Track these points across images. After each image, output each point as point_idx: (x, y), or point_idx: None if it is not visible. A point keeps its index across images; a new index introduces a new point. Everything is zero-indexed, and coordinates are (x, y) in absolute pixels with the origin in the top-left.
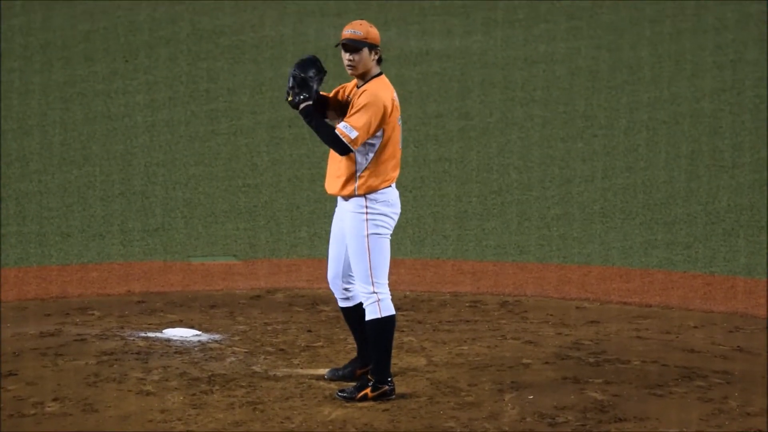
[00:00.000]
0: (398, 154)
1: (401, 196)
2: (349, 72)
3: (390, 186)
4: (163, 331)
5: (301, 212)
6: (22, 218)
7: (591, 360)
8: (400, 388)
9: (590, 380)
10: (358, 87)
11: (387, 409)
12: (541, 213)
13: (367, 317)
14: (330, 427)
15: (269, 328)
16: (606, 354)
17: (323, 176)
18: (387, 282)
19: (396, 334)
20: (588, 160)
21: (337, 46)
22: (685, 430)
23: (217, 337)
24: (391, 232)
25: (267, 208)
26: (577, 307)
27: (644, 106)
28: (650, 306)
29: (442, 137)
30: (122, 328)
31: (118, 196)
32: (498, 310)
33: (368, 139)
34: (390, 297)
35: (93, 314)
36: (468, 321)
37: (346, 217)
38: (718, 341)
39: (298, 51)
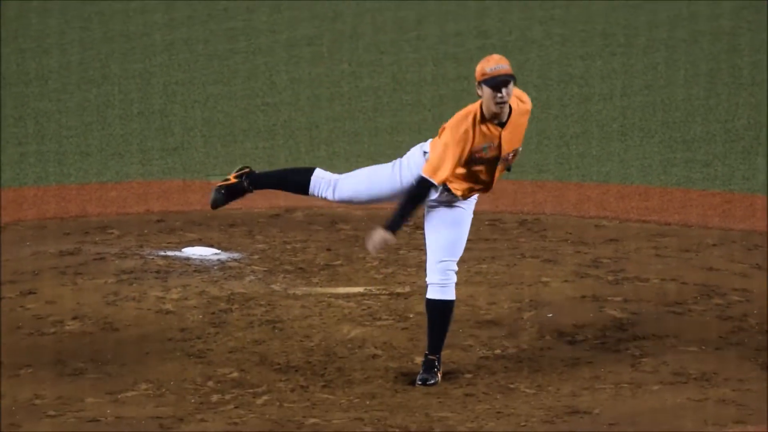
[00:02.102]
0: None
1: (421, 116)
2: (500, 109)
3: None
4: (183, 249)
5: (320, 131)
6: (41, 137)
7: (610, 278)
8: (419, 307)
9: (609, 298)
10: (501, 123)
11: (406, 328)
12: (560, 131)
13: (449, 297)
14: (349, 345)
15: (288, 246)
16: (625, 272)
17: (342, 95)
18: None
19: (415, 253)
20: (606, 78)
21: (494, 81)
22: (703, 347)
23: (236, 255)
24: None
25: (286, 127)
26: (595, 226)
27: (663, 24)
28: (669, 224)
29: (462, 55)
30: (141, 246)
31: (137, 116)
32: (517, 229)
33: None
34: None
35: (112, 233)
36: (487, 239)
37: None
38: (737, 259)
39: None
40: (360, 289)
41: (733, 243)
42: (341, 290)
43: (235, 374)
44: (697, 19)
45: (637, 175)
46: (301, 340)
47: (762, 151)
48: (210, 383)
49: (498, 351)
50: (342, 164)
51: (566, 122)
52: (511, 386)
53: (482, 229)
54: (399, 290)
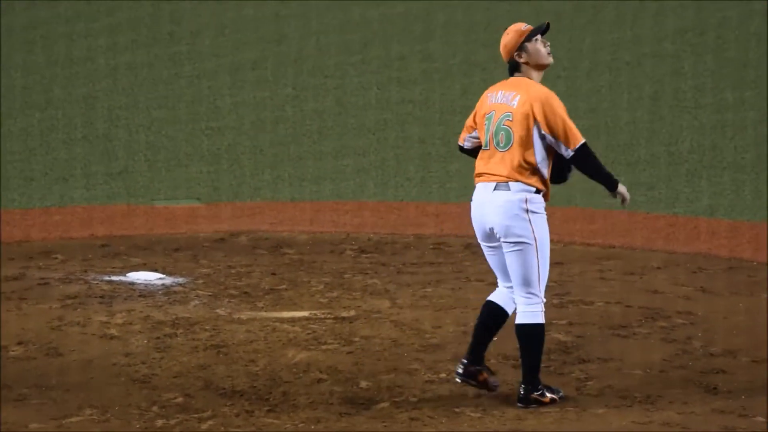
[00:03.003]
0: (484, 153)
1: (365, 140)
2: (551, 59)
3: (475, 185)
4: (127, 274)
5: (264, 155)
6: None
7: (555, 301)
8: (364, 331)
9: (554, 321)
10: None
11: (351, 352)
12: None
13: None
14: (294, 369)
15: (233, 271)
16: (570, 295)
17: (287, 119)
18: (498, 280)
19: (360, 277)
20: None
21: (542, 32)
22: (648, 370)
23: (180, 280)
24: (480, 240)
25: (230, 151)
26: None
27: (607, 47)
28: (613, 247)
29: (405, 79)
30: (86, 271)
31: (81, 140)
32: (462, 252)
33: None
34: (497, 291)
35: (56, 258)
36: (432, 263)
37: None
38: (681, 282)
39: None
40: (305, 314)
41: (677, 266)
42: (286, 314)
43: (180, 399)
44: (640, 42)
45: (581, 198)
46: (246, 365)
47: (706, 174)
48: (155, 408)
49: (443, 375)
50: (286, 188)
51: None
52: (456, 410)
53: (427, 253)
54: (344, 314)
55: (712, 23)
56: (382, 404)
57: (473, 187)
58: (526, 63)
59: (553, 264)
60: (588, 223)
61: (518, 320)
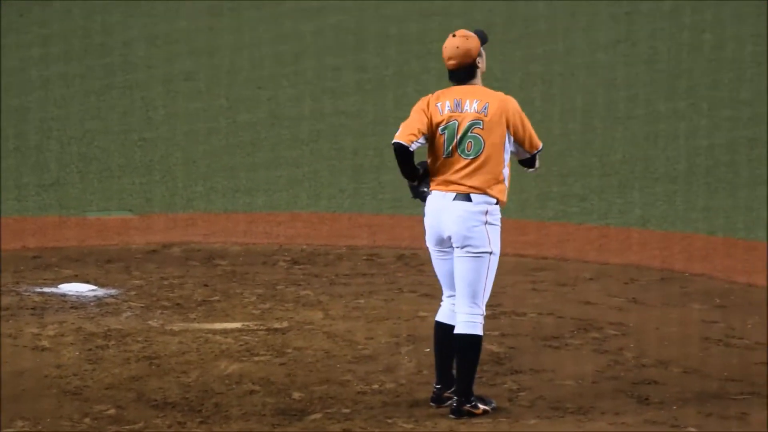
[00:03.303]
0: (445, 161)
1: (298, 151)
2: None
3: (430, 192)
4: (59, 286)
5: (197, 166)
6: None
7: (487, 312)
8: (296, 342)
9: (487, 333)
10: None
11: (283, 363)
12: None
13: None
14: (227, 381)
15: (165, 282)
16: (502, 306)
17: (220, 130)
18: (444, 291)
19: (292, 288)
20: None
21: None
22: (580, 381)
23: (113, 291)
24: (431, 245)
25: (163, 162)
26: None
27: (539, 59)
28: (546, 258)
29: (339, 90)
30: (17, 283)
31: (13, 151)
32: (394, 263)
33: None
34: (441, 308)
35: None
36: (365, 274)
37: None
38: (613, 293)
39: (192, 4)
40: (237, 325)
41: (609, 277)
42: (218, 326)
43: (112, 411)
44: (573, 54)
45: (514, 209)
46: (179, 376)
47: (638, 185)
48: (87, 420)
49: (376, 386)
50: (219, 199)
51: None
52: (389, 421)
53: (360, 264)
54: (276, 326)
55: (644, 35)
56: (315, 415)
57: (406, 199)
58: (481, 70)
59: None
60: (520, 234)
61: (458, 330)
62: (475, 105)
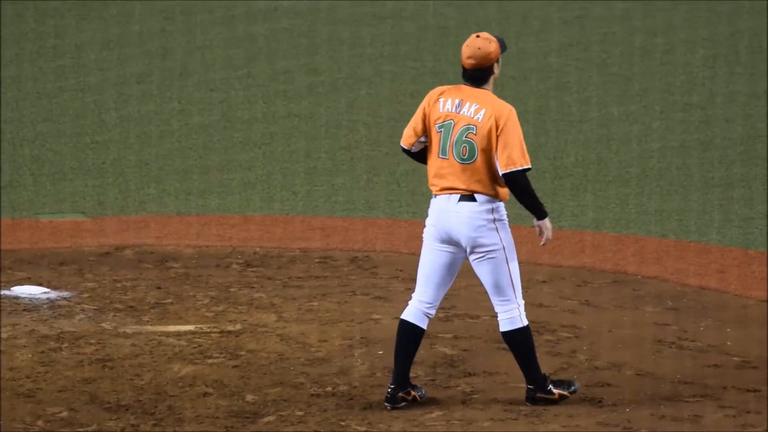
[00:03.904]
0: (442, 163)
1: (251, 154)
2: None
3: (434, 196)
4: (11, 288)
5: (149, 168)
6: None
7: (440, 315)
8: (250, 344)
9: (440, 335)
10: None
11: (237, 366)
12: (390, 169)
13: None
14: (180, 383)
15: (118, 285)
16: (455, 309)
17: (172, 133)
18: (419, 290)
19: (246, 291)
20: None
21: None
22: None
23: (65, 294)
24: (433, 241)
25: (115, 165)
26: None
27: None
28: None
29: (291, 93)
30: None
31: None
32: (348, 266)
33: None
34: (410, 306)
35: None
36: (318, 277)
37: None
38: (566, 296)
39: (145, 7)
40: (191, 327)
41: (562, 279)
42: (172, 328)
43: (65, 413)
44: (526, 57)
45: None
46: (132, 379)
47: (591, 188)
48: (40, 422)
49: (329, 388)
50: (172, 202)
51: (396, 160)
52: (342, 423)
53: (313, 267)
54: (230, 328)
55: (596, 38)
56: (268, 418)
57: (359, 202)
58: (495, 76)
59: None
60: None
61: (501, 328)
62: (473, 109)
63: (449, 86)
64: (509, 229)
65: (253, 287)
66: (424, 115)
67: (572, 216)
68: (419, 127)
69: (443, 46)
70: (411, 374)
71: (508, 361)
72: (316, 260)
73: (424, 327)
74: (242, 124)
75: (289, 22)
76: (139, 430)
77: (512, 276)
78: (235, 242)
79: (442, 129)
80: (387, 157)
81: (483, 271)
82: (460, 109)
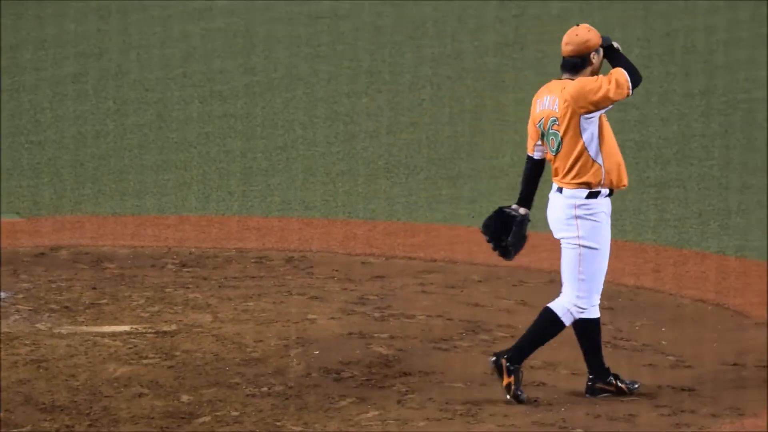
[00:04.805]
0: (549, 156)
1: (187, 154)
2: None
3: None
4: None
5: (85, 169)
6: None
7: (376, 315)
8: (185, 345)
9: (375, 335)
10: None
11: (172, 366)
12: (326, 169)
13: None
14: (115, 384)
15: (53, 285)
16: (391, 309)
17: (108, 132)
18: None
19: (181, 291)
20: (373, 115)
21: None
22: (469, 383)
23: (0, 295)
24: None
25: (50, 165)
26: (362, 263)
27: (428, 62)
28: (435, 261)
29: (227, 93)
30: None
31: None
32: (283, 266)
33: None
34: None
35: None
36: (254, 277)
37: None
38: (502, 295)
39: (80, 7)
40: (126, 328)
41: (498, 279)
42: (107, 329)
43: (0, 414)
44: (462, 57)
45: (403, 212)
46: (67, 380)
47: None
48: None
49: (265, 389)
50: (107, 202)
51: (332, 160)
52: (278, 423)
53: (249, 267)
54: (165, 328)
55: (532, 38)
56: (204, 418)
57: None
58: (593, 67)
59: (375, 278)
60: (410, 236)
61: (552, 305)
62: (551, 101)
63: (546, 84)
64: (597, 227)
65: (188, 287)
66: (531, 119)
67: None
68: (532, 130)
69: (380, 46)
70: (348, 374)
71: (443, 361)
72: (252, 260)
73: (595, 316)
74: (178, 124)
75: (225, 22)
76: (74, 430)
77: (587, 273)
78: (171, 242)
79: (541, 128)
80: (323, 157)
81: (563, 259)
82: (547, 104)
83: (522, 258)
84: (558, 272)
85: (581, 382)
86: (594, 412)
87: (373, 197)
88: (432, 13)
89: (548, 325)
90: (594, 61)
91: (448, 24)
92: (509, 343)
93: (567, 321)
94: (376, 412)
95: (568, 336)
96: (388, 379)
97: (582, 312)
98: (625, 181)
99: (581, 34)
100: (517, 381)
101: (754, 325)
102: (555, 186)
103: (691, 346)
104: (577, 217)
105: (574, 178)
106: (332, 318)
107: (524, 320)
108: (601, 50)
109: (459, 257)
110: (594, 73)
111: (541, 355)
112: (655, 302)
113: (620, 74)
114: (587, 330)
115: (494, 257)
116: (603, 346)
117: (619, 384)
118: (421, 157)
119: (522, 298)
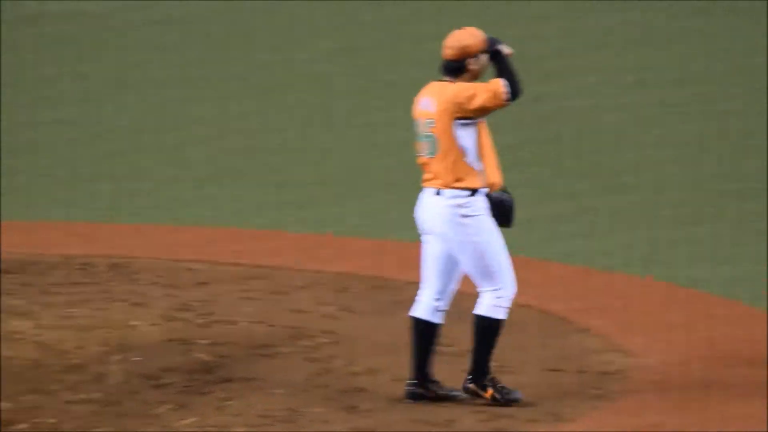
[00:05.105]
0: (421, 159)
1: (16, 159)
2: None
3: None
4: None
5: None
6: None
7: (199, 321)
8: (5, 351)
9: (197, 341)
10: None
11: None
12: (153, 175)
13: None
14: None
15: None
16: (213, 315)
17: None
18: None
19: (3, 297)
20: (201, 122)
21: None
22: (290, 389)
23: None
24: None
25: None
26: (187, 269)
27: (258, 69)
28: (260, 266)
29: (56, 99)
30: None
31: None
32: (108, 272)
33: None
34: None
35: None
36: (77, 283)
37: None
38: (325, 301)
39: None
40: None
41: (321, 285)
42: None
43: None
44: (292, 64)
45: (229, 217)
46: None
47: (354, 195)
48: None
49: (83, 395)
50: None
51: (160, 166)
52: (96, 430)
53: (72, 274)
54: None
55: (363, 45)
56: (21, 425)
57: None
58: (471, 73)
59: (199, 284)
60: (235, 243)
61: (478, 311)
62: (429, 103)
63: (428, 84)
64: (483, 221)
65: (10, 294)
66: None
67: (335, 222)
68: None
69: (210, 52)
70: (168, 381)
71: (265, 367)
72: (77, 267)
73: (437, 321)
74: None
75: (56, 28)
76: None
77: (495, 263)
78: None
79: (418, 128)
80: (151, 164)
81: (463, 262)
82: (424, 106)
83: (347, 264)
84: (383, 278)
85: (402, 388)
86: (413, 417)
87: (199, 203)
88: (263, 20)
89: (485, 330)
90: (472, 67)
91: (278, 31)
92: (331, 349)
93: (500, 315)
94: (195, 419)
95: (390, 343)
96: (209, 386)
97: (502, 302)
98: (500, 182)
99: (461, 39)
100: (498, 388)
101: (575, 330)
102: (431, 189)
103: (513, 352)
104: (463, 216)
105: (455, 181)
106: (154, 324)
107: (347, 326)
108: (482, 56)
109: (284, 263)
110: (474, 78)
111: (362, 361)
112: None
113: (497, 84)
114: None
115: (319, 263)
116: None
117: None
118: (249, 164)
119: (345, 304)
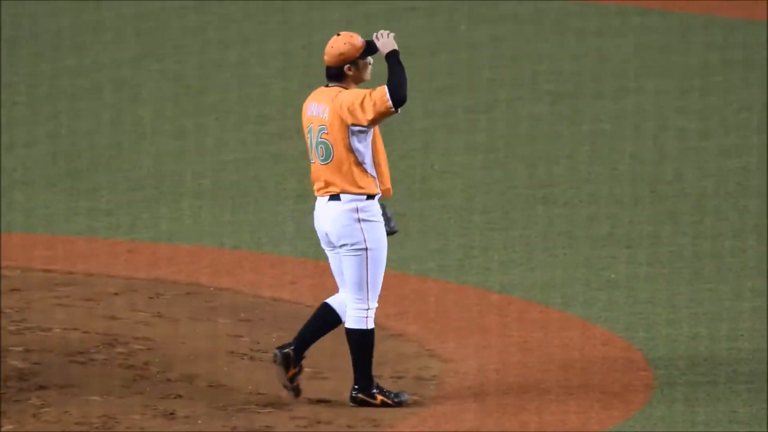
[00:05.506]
0: (313, 167)
1: None
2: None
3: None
4: None
5: None
6: None
7: (12, 328)
8: None
9: (11, 348)
10: None
11: None
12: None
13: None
14: None
15: None
16: (27, 322)
17: None
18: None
19: None
20: (9, 127)
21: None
22: (106, 396)
23: None
24: (321, 244)
25: None
26: None
27: (65, 73)
28: (72, 273)
29: None
30: None
31: None
32: None
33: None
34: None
35: None
36: None
37: None
38: (139, 308)
39: None
40: None
41: (135, 291)
42: None
43: None
44: (99, 69)
45: (40, 224)
46: None
47: (165, 200)
48: None
49: None
50: None
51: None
52: None
53: None
54: None
55: (169, 51)
56: None
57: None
58: (351, 78)
59: (11, 290)
60: (47, 249)
61: (347, 324)
62: (321, 109)
63: (316, 90)
64: (378, 230)
65: None
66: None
67: (146, 228)
68: (306, 138)
69: (17, 56)
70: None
71: (81, 374)
72: None
73: (342, 318)
74: None
75: None
76: None
77: (370, 277)
78: None
79: (309, 134)
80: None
81: (346, 266)
82: (315, 111)
83: (159, 270)
84: (197, 284)
85: (219, 394)
86: (231, 424)
87: (9, 210)
88: (70, 24)
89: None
90: (350, 72)
91: (85, 36)
92: (146, 356)
93: (367, 325)
94: (11, 427)
95: (205, 349)
96: (24, 393)
97: (368, 312)
98: (390, 190)
99: (336, 46)
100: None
101: (390, 336)
102: (325, 196)
103: (328, 358)
104: (360, 220)
105: (351, 186)
106: None
107: (161, 332)
108: (360, 62)
109: (96, 270)
110: (357, 81)
111: (178, 367)
112: (292, 313)
113: (379, 92)
114: (363, 339)
115: (131, 269)
116: (240, 358)
117: (383, 397)
118: (59, 170)
119: (158, 310)
